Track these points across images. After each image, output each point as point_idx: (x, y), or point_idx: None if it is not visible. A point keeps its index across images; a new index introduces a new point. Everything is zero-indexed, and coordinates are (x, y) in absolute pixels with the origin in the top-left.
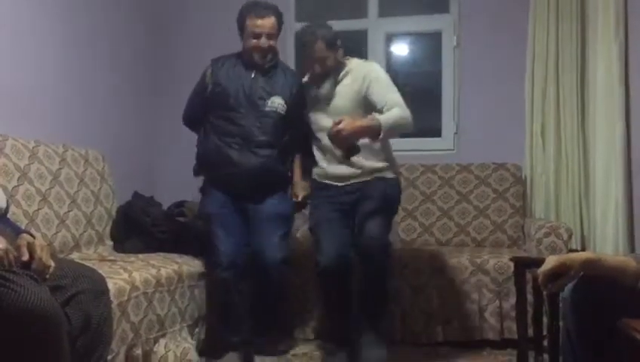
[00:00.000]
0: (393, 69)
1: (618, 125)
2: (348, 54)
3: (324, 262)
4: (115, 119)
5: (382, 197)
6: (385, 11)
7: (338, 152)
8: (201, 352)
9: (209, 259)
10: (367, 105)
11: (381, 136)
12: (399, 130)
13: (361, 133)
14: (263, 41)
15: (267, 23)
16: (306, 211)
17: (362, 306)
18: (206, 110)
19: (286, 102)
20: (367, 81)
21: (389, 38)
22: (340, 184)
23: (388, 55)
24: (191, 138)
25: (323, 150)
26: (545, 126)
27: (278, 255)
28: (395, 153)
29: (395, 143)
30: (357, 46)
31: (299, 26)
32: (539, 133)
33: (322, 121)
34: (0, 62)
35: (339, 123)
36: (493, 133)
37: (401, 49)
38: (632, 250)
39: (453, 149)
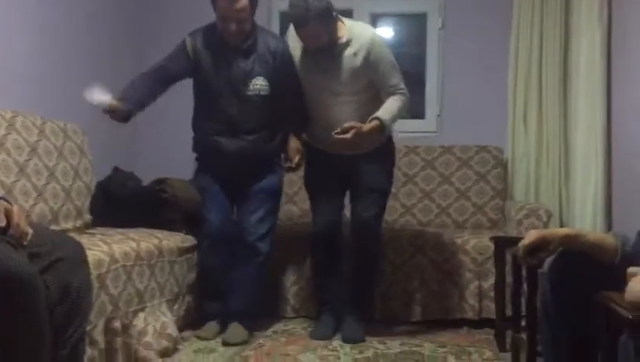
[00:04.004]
0: None
1: (599, 109)
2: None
3: (318, 230)
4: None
5: (379, 177)
6: None
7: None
8: (181, 327)
9: (200, 229)
10: (368, 78)
11: (385, 132)
12: (400, 116)
13: (366, 138)
14: (232, 27)
15: (237, 6)
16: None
17: (349, 286)
18: (183, 76)
19: (269, 80)
20: (370, 58)
21: (374, 19)
22: (333, 153)
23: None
24: (173, 115)
25: (317, 120)
26: (527, 109)
27: (259, 231)
28: None
29: None
30: None
31: (283, 1)
32: (521, 116)
33: (321, 93)
34: None
35: (345, 131)
36: (476, 115)
37: (386, 30)
38: (609, 231)
39: (436, 131)
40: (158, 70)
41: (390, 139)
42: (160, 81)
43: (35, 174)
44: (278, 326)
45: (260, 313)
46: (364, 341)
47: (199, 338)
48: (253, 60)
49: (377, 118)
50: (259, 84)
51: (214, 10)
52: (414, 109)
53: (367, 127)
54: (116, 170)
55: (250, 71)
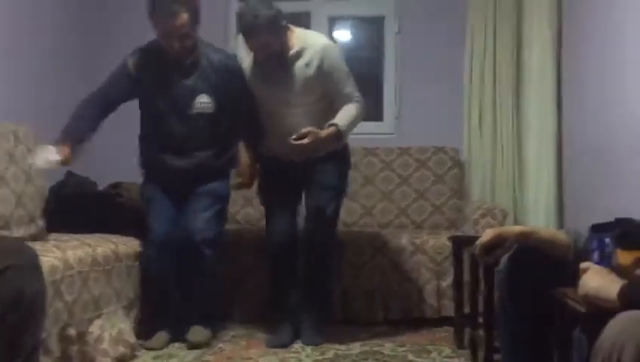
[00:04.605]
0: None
1: (550, 112)
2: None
3: (274, 240)
4: (46, 96)
5: (333, 176)
6: None
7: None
8: (138, 333)
9: (144, 238)
10: (322, 88)
11: (343, 139)
12: (356, 125)
13: (322, 144)
14: (175, 45)
15: (177, 22)
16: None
17: (304, 289)
18: (126, 99)
19: (213, 97)
20: (323, 68)
21: (332, 22)
22: (287, 161)
23: (331, 39)
24: (127, 119)
25: (271, 130)
26: (482, 111)
27: (205, 232)
28: None
29: None
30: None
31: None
32: (476, 118)
33: (274, 105)
34: None
35: (302, 137)
36: (433, 117)
37: (344, 33)
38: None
39: (394, 133)
40: (99, 97)
41: (345, 143)
42: (102, 107)
43: None
44: (239, 331)
45: (217, 316)
46: (322, 344)
47: (147, 349)
48: (197, 77)
49: (334, 125)
50: (202, 101)
51: (154, 27)
52: (373, 112)
53: (324, 133)
54: (70, 174)
55: (194, 89)
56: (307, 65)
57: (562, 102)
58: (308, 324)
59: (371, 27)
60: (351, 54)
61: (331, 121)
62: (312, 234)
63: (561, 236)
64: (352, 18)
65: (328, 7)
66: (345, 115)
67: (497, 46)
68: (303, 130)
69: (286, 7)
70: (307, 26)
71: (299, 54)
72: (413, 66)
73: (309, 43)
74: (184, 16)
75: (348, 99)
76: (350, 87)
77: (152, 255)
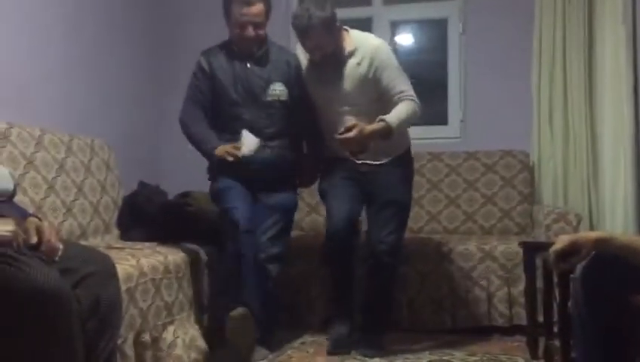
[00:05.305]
0: (399, 58)
1: (626, 109)
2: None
3: (333, 228)
4: (120, 108)
5: (396, 192)
6: None
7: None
8: (209, 339)
9: (223, 231)
10: (375, 88)
11: (392, 136)
12: (409, 124)
13: (371, 138)
14: (249, 32)
15: (253, 10)
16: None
17: (365, 301)
18: (211, 104)
19: (287, 86)
20: (374, 65)
21: (395, 26)
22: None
23: (393, 43)
24: None
25: (329, 132)
26: (552, 112)
27: (272, 250)
28: None
29: None
30: None
31: (297, 6)
32: (546, 119)
33: (329, 105)
34: (4, 50)
35: (348, 130)
36: (500, 120)
37: (406, 37)
38: None
39: (460, 137)
40: (198, 111)
41: (408, 151)
42: (204, 117)
43: (64, 190)
44: (306, 338)
45: (273, 336)
46: (380, 355)
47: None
48: (270, 68)
49: (383, 120)
50: (277, 89)
51: (228, 19)
52: (437, 116)
53: (371, 127)
54: (142, 184)
55: (268, 77)
56: (359, 63)
57: (639, 96)
58: (366, 335)
59: (434, 30)
60: (414, 58)
61: (381, 117)
62: (375, 254)
63: None
64: (415, 22)
65: (390, 12)
66: (396, 111)
67: (567, 41)
68: (348, 124)
69: (348, 13)
70: (369, 31)
71: (351, 54)
72: (478, 68)
73: (361, 43)
74: (261, 6)
75: (401, 97)
76: (403, 86)
77: (236, 238)
